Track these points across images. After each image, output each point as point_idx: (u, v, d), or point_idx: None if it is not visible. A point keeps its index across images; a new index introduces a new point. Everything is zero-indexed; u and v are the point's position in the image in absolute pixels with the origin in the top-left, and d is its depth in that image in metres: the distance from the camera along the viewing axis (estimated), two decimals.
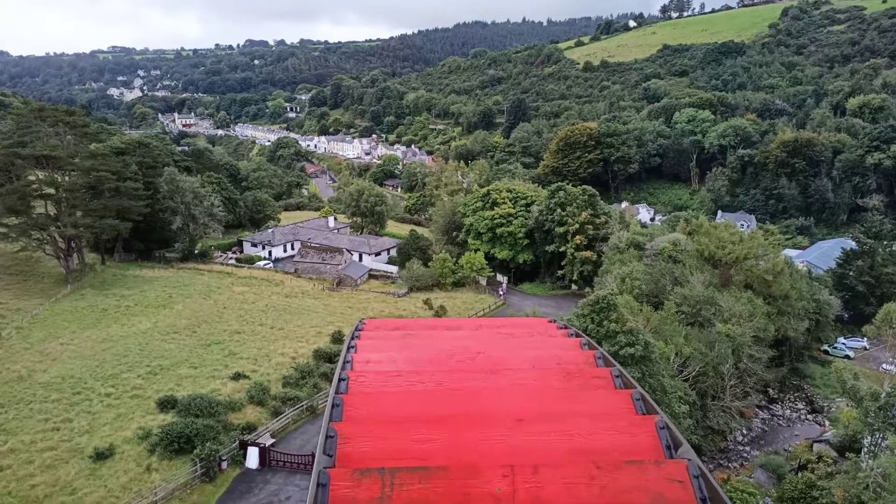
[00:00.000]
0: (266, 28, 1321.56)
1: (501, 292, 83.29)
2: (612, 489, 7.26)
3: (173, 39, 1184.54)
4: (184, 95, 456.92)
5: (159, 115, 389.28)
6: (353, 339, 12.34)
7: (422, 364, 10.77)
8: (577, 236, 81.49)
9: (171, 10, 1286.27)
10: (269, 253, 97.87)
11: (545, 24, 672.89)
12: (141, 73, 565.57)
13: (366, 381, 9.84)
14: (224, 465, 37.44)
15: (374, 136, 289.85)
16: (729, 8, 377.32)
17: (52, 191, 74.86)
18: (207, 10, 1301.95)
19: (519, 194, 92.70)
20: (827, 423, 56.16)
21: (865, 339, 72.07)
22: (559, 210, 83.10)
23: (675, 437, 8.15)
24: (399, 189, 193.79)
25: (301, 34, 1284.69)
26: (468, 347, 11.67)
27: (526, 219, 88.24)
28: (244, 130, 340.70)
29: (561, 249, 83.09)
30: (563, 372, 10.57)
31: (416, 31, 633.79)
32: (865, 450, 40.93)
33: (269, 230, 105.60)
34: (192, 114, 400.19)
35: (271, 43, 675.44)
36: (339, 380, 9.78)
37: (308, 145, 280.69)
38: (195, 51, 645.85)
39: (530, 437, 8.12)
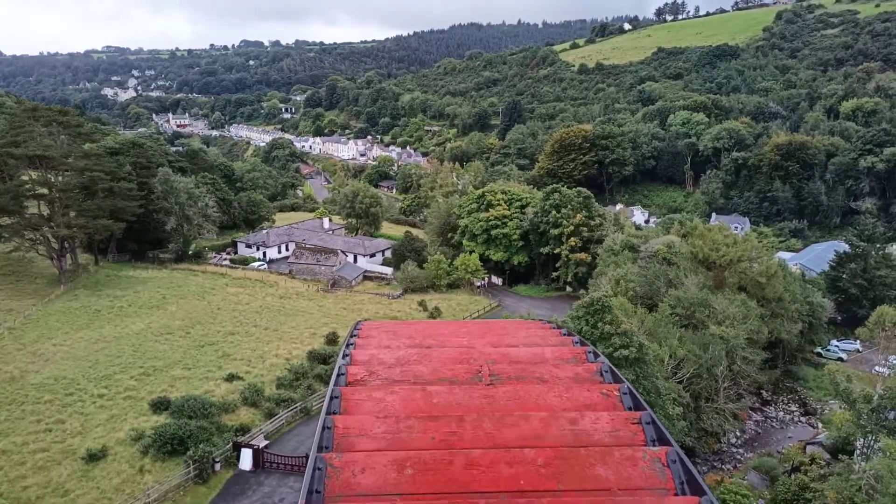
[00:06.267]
0: (261, 28, 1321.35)
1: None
2: None
3: (167, 40, 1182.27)
4: (178, 96, 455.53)
5: (153, 115, 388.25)
6: (347, 347, 11.89)
7: (425, 380, 10.31)
8: (572, 238, 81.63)
9: (160, 10, 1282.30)
10: (264, 254, 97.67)
11: (540, 26, 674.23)
12: (135, 73, 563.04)
13: (362, 402, 9.30)
14: (217, 466, 37.33)
15: (369, 137, 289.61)
16: (723, 11, 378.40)
17: (45, 191, 74.56)
18: (195, 11, 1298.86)
19: (514, 196, 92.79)
20: (820, 425, 56.29)
21: (858, 341, 72.32)
22: (554, 212, 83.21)
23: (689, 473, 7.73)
24: (394, 190, 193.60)
25: (295, 35, 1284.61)
26: (471, 360, 11.21)
27: (521, 220, 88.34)
28: (239, 131, 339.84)
29: (556, 251, 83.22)
30: (572, 392, 10.30)
31: (411, 33, 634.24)
32: (858, 452, 41.08)
33: (264, 231, 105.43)
34: (187, 114, 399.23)
35: (266, 44, 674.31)
36: (332, 398, 9.17)
37: (303, 146, 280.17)
38: (190, 51, 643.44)
39: (540, 470, 7.79)
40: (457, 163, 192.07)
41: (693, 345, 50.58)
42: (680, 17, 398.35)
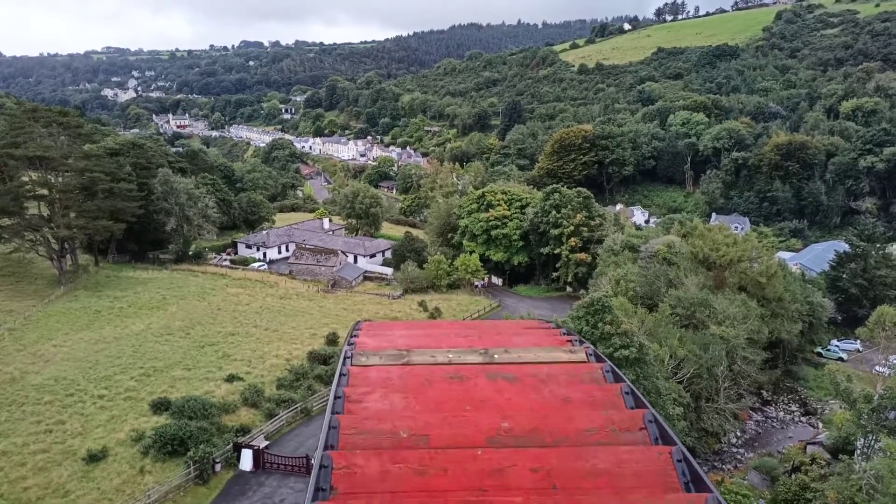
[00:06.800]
0: (260, 29, 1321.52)
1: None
2: None
3: (167, 40, 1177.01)
4: (178, 96, 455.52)
5: (153, 116, 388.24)
6: (345, 359, 11.05)
7: (428, 388, 9.46)
8: (572, 238, 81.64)
9: (160, 10, 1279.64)
10: (264, 254, 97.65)
11: (540, 26, 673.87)
12: (135, 73, 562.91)
13: (363, 423, 8.33)
14: (218, 467, 37.33)
15: (369, 137, 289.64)
16: (723, 11, 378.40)
17: (45, 192, 74.52)
18: (195, 11, 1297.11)
19: (514, 196, 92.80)
20: (820, 425, 56.31)
21: (858, 341, 72.32)
22: (554, 212, 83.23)
23: None
24: (394, 191, 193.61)
25: (295, 35, 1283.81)
26: (476, 367, 10.57)
27: (521, 221, 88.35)
28: (239, 132, 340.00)
29: (556, 251, 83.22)
30: (585, 396, 9.77)
31: (411, 33, 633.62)
32: (858, 452, 41.08)
33: (264, 232, 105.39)
34: (187, 115, 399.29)
35: (266, 44, 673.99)
36: (332, 412, 8.07)
37: (303, 147, 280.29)
38: (190, 52, 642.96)
39: (542, 475, 7.49)
40: (457, 163, 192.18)
41: (693, 345, 50.58)
42: (680, 17, 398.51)
